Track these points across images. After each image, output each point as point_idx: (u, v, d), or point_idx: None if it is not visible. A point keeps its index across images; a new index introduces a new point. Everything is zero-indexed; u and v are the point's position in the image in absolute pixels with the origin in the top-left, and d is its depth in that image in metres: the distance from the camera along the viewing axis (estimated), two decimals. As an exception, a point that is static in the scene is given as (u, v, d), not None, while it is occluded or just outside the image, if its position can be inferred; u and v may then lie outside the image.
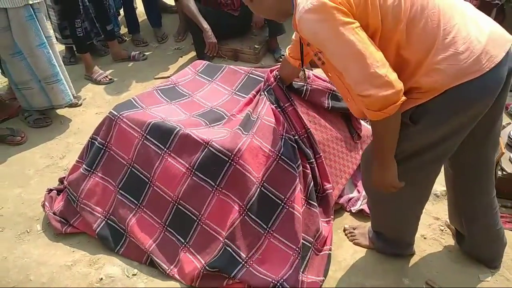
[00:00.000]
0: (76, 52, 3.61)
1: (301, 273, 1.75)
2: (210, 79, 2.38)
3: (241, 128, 1.91)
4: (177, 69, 3.47)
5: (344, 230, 2.03)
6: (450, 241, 1.94)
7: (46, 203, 2.18)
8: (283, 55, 3.43)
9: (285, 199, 1.82)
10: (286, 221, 1.80)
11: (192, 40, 3.52)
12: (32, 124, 2.91)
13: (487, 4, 3.19)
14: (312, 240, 1.85)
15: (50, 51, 2.74)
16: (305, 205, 1.91)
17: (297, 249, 1.76)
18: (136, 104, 2.15)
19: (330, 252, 1.88)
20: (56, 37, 3.52)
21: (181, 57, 3.67)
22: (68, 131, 2.89)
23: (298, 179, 1.86)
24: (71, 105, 3.04)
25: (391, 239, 1.84)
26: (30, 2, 2.57)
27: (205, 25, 3.22)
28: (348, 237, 2.00)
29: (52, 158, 2.64)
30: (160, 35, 3.93)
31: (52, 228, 2.11)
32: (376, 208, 1.79)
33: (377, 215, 1.82)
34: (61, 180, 2.34)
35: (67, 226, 2.09)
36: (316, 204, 1.92)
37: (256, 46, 3.46)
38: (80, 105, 3.15)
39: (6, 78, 2.95)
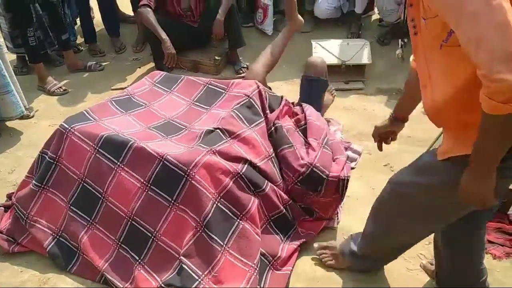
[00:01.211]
0: (28, 62, 3.48)
1: (260, 288, 1.74)
2: (168, 90, 2.34)
3: (202, 145, 1.89)
4: (135, 80, 3.40)
5: (316, 250, 1.95)
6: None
7: (-8, 220, 2.07)
8: (244, 67, 3.47)
9: (241, 215, 1.81)
10: (241, 237, 1.78)
11: (150, 50, 3.47)
12: (-21, 137, 2.77)
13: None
14: (271, 259, 1.85)
15: (0, 61, 2.62)
16: (266, 225, 1.92)
17: (253, 265, 1.74)
18: (89, 116, 2.08)
19: (290, 273, 1.86)
20: (7, 46, 3.38)
21: (139, 68, 3.61)
22: (19, 144, 2.77)
23: (253, 199, 1.85)
24: (23, 117, 2.91)
25: (374, 258, 1.77)
26: (-23, 10, 2.46)
27: (164, 35, 3.18)
28: (321, 259, 1.93)
29: (0, 172, 2.52)
30: (118, 45, 3.85)
31: (-2, 247, 2.00)
32: (382, 232, 1.64)
33: (378, 239, 1.69)
34: (9, 196, 2.23)
35: (14, 245, 1.99)
36: (278, 232, 1.94)
37: (217, 58, 3.45)
38: (32, 116, 3.03)
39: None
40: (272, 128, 2.14)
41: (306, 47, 3.40)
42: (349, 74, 3.23)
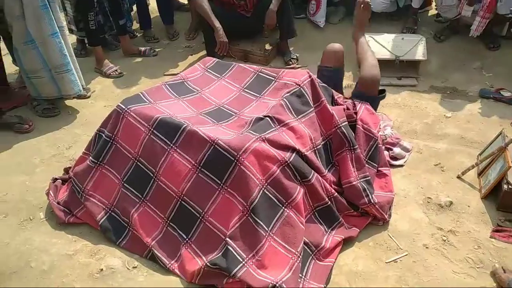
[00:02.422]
0: (87, 45, 3.63)
1: (302, 277, 1.75)
2: (219, 76, 2.39)
3: (251, 132, 1.92)
4: (186, 66, 3.47)
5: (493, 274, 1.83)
6: (452, 251, 1.93)
7: (51, 192, 2.19)
8: (293, 58, 3.46)
9: (286, 203, 1.83)
10: (285, 224, 1.80)
11: (203, 39, 3.53)
12: (40, 113, 2.92)
13: (500, 18, 3.18)
14: (315, 249, 1.86)
15: (62, 41, 2.76)
16: (311, 215, 1.94)
17: (296, 253, 1.76)
18: (144, 99, 2.16)
19: (333, 265, 1.86)
20: (72, 30, 3.55)
21: (191, 55, 3.68)
22: (76, 122, 2.90)
23: (299, 188, 1.87)
24: (80, 97, 3.05)
25: None
26: (44, -9, 2.59)
27: (217, 24, 3.23)
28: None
29: (59, 147, 2.65)
30: (172, 33, 3.94)
31: (55, 217, 2.12)
32: None
33: None
34: (66, 170, 2.35)
35: (70, 216, 2.10)
36: (322, 222, 1.95)
37: (267, 48, 3.47)
38: (89, 97, 3.16)
39: (17, 66, 2.97)
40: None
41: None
42: (403, 70, 3.15)
